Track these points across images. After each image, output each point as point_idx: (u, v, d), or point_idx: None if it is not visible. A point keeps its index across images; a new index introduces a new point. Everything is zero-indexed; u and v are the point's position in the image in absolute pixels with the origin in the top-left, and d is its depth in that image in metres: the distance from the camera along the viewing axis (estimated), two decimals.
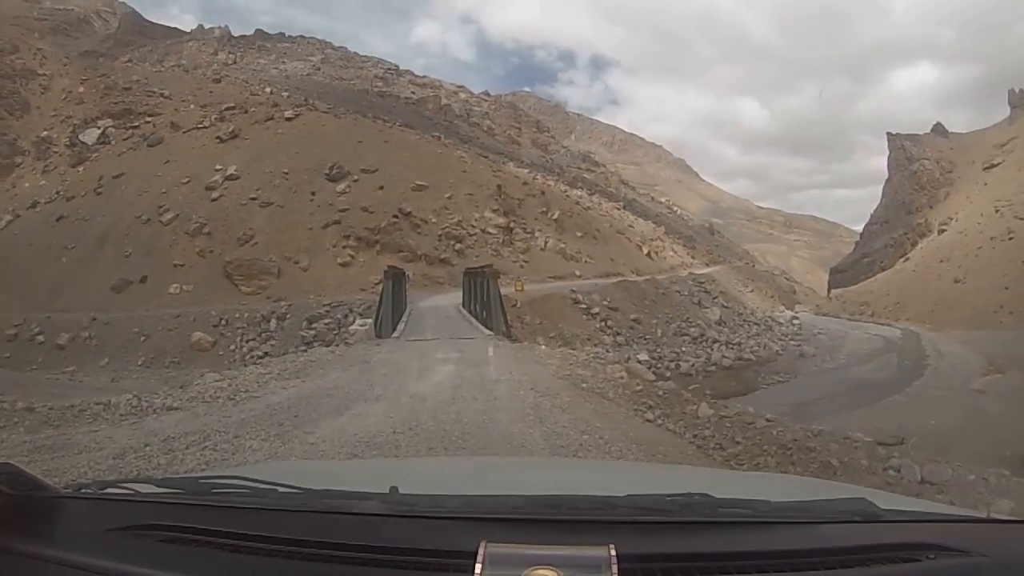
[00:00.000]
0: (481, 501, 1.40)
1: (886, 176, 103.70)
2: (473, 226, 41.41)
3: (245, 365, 20.94)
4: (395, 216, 39.37)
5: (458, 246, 39.47)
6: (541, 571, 1.01)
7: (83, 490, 1.40)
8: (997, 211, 66.63)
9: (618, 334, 31.35)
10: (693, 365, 29.64)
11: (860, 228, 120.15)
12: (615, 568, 1.02)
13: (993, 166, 79.24)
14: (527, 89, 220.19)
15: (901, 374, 31.48)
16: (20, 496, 1.24)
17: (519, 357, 12.35)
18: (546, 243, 43.98)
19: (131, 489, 1.39)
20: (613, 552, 1.04)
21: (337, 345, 17.27)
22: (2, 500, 1.20)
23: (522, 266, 38.81)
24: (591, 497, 1.34)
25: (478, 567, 1.02)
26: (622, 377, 10.73)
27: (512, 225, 43.42)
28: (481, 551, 1.04)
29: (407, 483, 1.40)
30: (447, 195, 42.88)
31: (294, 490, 1.36)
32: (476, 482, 2.06)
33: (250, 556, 1.16)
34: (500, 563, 1.03)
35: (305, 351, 16.82)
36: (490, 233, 41.65)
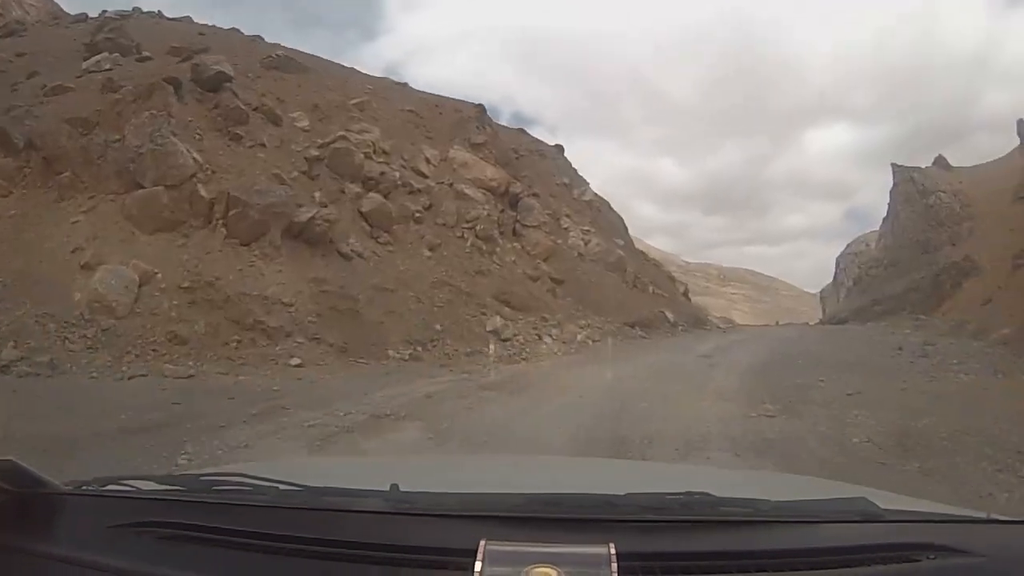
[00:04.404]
0: (481, 499, 1.35)
1: (870, 220, 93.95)
2: None
3: None
4: None
5: None
6: (541, 569, 0.99)
7: (84, 487, 1.36)
8: None
9: None
10: None
11: (791, 282, 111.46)
12: (615, 566, 1.00)
13: None
14: None
15: None
16: (21, 493, 1.21)
17: None
18: None
19: (132, 486, 1.37)
20: (613, 550, 1.02)
21: None
22: (3, 497, 1.18)
23: None
24: (591, 496, 1.32)
25: (478, 565, 1.01)
26: None
27: None
28: (481, 549, 1.02)
29: (407, 481, 1.35)
30: None
31: (295, 487, 1.31)
32: (476, 480, 1.89)
33: (251, 553, 1.14)
34: (500, 561, 1.01)
35: None
36: None
